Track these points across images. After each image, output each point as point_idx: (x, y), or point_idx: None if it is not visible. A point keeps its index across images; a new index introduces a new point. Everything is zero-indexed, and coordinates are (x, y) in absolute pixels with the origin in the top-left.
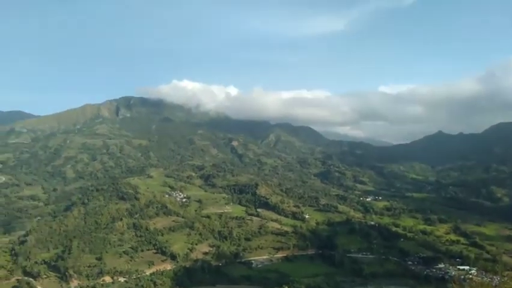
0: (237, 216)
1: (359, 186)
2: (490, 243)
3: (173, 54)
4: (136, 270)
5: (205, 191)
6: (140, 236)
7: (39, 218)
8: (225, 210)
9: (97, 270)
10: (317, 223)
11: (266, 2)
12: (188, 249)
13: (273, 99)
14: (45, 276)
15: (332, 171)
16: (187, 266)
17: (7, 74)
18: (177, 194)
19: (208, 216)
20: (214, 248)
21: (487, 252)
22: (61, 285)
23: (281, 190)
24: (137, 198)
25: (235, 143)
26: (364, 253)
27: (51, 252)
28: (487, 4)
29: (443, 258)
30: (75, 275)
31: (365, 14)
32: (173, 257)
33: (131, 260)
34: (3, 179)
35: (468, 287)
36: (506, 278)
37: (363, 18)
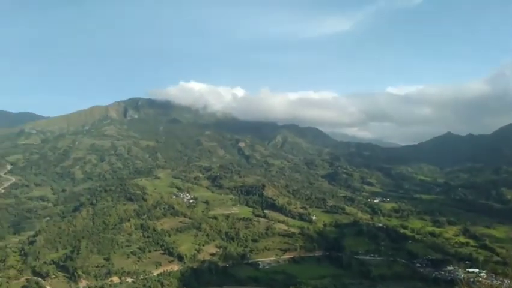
0: (244, 218)
1: (366, 187)
2: (500, 245)
3: (180, 55)
4: (144, 271)
5: (212, 192)
6: (148, 237)
7: (48, 218)
8: (232, 211)
9: (105, 271)
10: (324, 225)
11: (273, 4)
12: (195, 250)
13: (280, 100)
14: (54, 276)
15: (339, 173)
16: (194, 266)
17: (17, 76)
18: (184, 195)
19: (215, 217)
20: (221, 249)
21: (497, 255)
22: (70, 285)
23: (288, 191)
24: (144, 199)
25: (242, 144)
26: (372, 255)
27: (60, 252)
28: (495, 4)
29: (452, 261)
30: (83, 275)
31: (372, 15)
32: (180, 257)
33: (138, 261)
34: (14, 179)
35: None
36: None
37: (370, 19)
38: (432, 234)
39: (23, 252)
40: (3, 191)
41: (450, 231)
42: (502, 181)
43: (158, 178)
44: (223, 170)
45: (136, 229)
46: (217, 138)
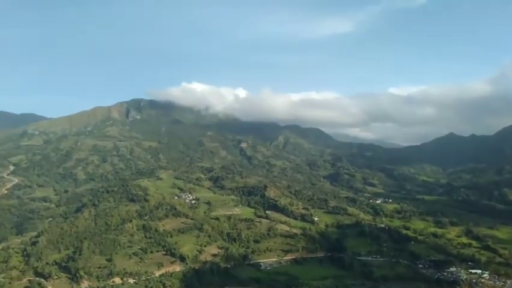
0: (245, 218)
1: (368, 188)
2: (503, 246)
3: (182, 56)
4: (146, 272)
5: (214, 192)
6: (150, 238)
7: (50, 219)
8: (234, 212)
9: (107, 272)
10: (326, 225)
11: (275, 4)
12: (197, 251)
13: (282, 101)
14: (56, 277)
15: (341, 173)
16: (196, 267)
17: (20, 77)
18: (186, 196)
19: (217, 218)
20: (223, 249)
21: (500, 256)
22: (72, 286)
23: (290, 192)
24: (146, 200)
25: (244, 145)
26: (374, 256)
27: (63, 253)
28: (498, 4)
29: (454, 262)
30: (85, 276)
31: (374, 15)
32: (182, 258)
33: (140, 262)
34: (16, 180)
35: None
36: None
37: (372, 19)
38: (435, 235)
39: (25, 253)
40: (6, 192)
41: (452, 232)
42: (505, 182)
43: (160, 179)
44: (225, 171)
45: (138, 230)
46: (219, 139)
